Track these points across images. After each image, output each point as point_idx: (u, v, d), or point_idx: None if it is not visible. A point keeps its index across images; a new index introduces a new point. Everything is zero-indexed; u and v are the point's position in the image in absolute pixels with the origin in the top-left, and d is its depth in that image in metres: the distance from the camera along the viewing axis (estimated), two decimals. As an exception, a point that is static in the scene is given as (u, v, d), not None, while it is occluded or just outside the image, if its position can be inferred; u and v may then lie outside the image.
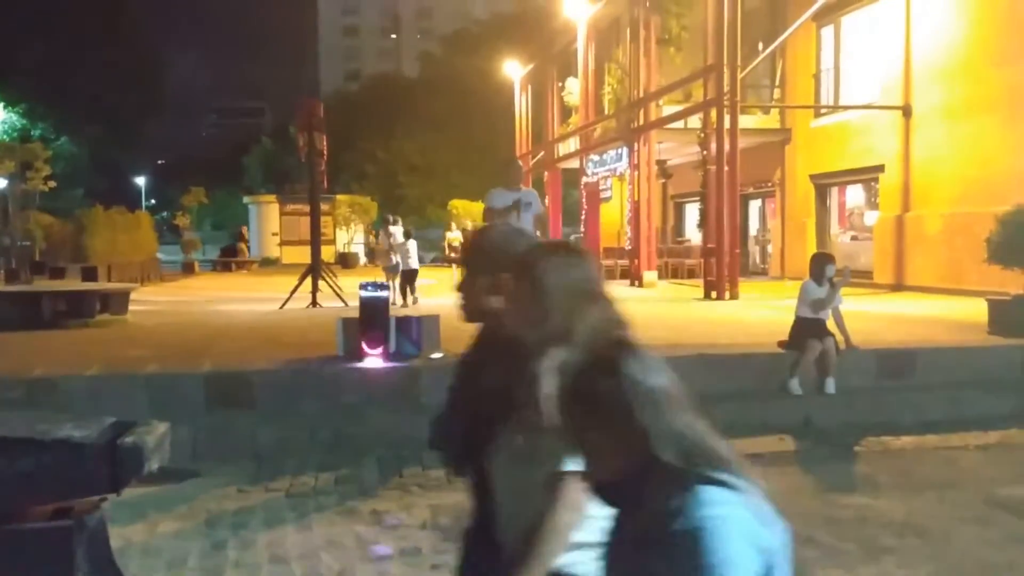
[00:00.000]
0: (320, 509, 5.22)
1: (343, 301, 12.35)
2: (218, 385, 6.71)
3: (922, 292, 14.55)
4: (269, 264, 33.71)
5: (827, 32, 18.47)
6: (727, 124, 14.12)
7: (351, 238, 35.94)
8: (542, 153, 26.69)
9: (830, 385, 7.32)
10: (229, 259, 32.16)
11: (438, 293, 17.34)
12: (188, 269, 29.27)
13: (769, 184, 20.59)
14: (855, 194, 18.75)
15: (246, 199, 42.45)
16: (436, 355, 7.60)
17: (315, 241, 13.84)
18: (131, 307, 12.29)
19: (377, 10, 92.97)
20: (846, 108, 17.76)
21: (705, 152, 14.90)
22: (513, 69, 28.00)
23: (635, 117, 18.40)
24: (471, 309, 2.11)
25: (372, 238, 16.68)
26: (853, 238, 18.30)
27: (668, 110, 18.09)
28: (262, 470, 5.97)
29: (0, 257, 21.09)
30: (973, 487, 5.60)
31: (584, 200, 23.45)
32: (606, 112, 21.23)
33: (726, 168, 14.18)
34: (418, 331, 7.61)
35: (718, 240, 14.17)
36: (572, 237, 29.29)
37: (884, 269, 16.08)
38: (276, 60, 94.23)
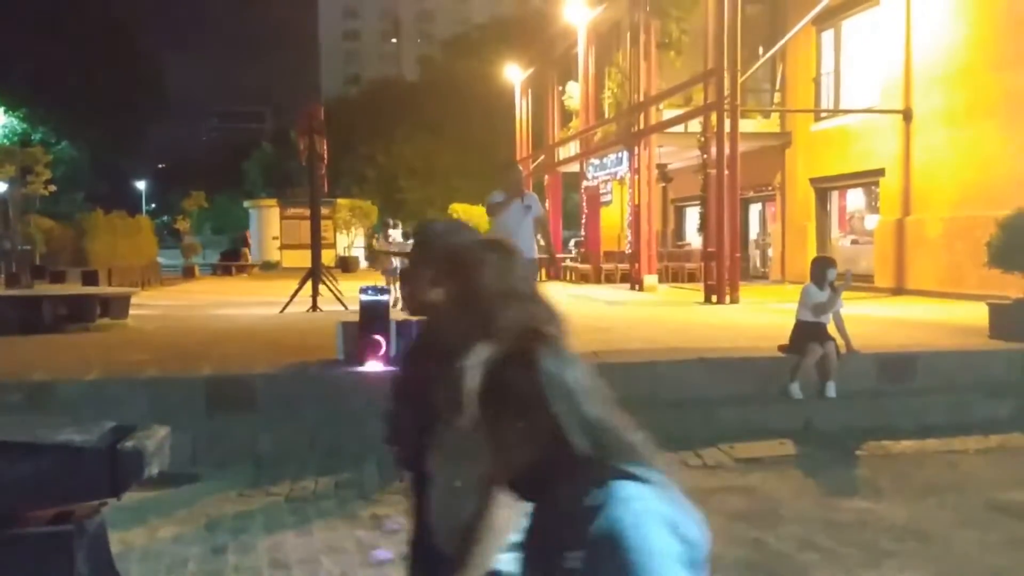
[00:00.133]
0: (320, 514, 5.21)
1: (343, 305, 12.35)
2: (218, 389, 6.70)
3: (922, 296, 14.54)
4: (269, 268, 33.72)
5: (827, 36, 18.49)
6: (727, 128, 14.13)
7: (351, 242, 35.95)
8: (542, 157, 26.71)
9: (831, 389, 7.31)
10: (230, 263, 32.16)
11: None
12: (188, 273, 29.26)
13: (769, 188, 20.60)
14: (855, 198, 18.75)
15: (246, 203, 42.46)
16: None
17: (315, 245, 13.83)
18: (131, 311, 12.29)
19: (377, 14, 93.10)
20: (846, 112, 17.77)
21: (705, 156, 14.92)
22: (513, 73, 28.03)
23: (635, 121, 18.42)
24: (414, 301, 2.10)
25: (374, 242, 16.73)
26: (853, 242, 18.30)
27: (668, 114, 18.11)
28: (262, 474, 5.96)
29: (0, 261, 21.11)
30: (974, 491, 5.60)
31: (584, 204, 23.48)
32: (606, 116, 21.25)
33: (726, 172, 14.19)
34: (418, 334, 7.59)
35: (718, 244, 14.17)
36: (572, 241, 29.34)
37: (884, 273, 16.08)
38: (277, 64, 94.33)
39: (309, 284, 13.19)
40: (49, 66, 39.79)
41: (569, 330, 1.82)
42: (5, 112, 38.55)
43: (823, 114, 18.63)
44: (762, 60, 16.67)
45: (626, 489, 1.31)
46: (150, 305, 15.04)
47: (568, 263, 24.17)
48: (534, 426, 1.36)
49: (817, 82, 18.79)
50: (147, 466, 2.74)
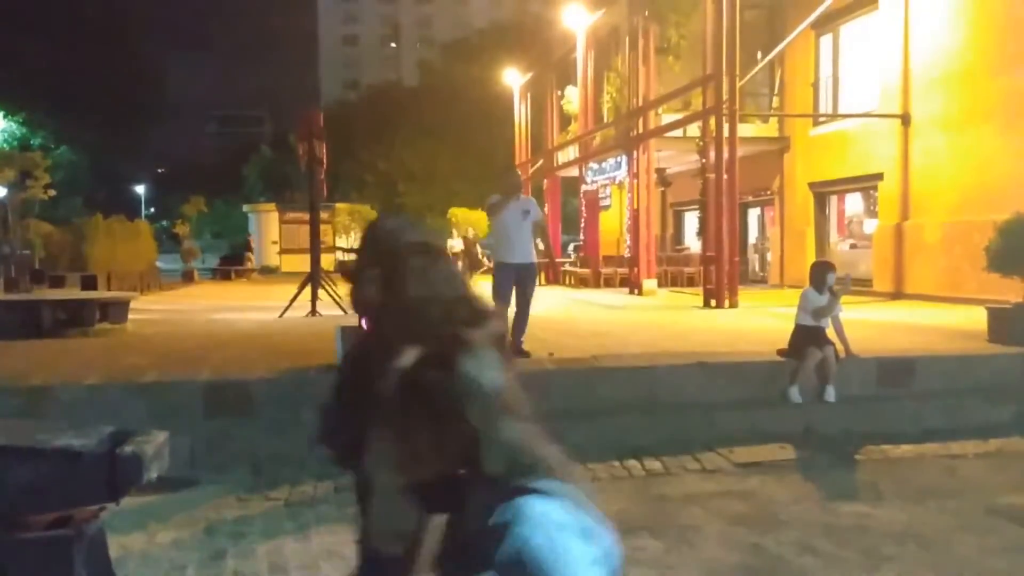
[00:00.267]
0: (319, 518, 5.20)
1: (343, 309, 12.33)
2: (217, 394, 6.70)
3: (921, 300, 14.55)
4: (269, 272, 33.72)
5: (826, 41, 18.53)
6: (726, 132, 14.15)
7: (350, 246, 35.97)
8: (541, 161, 26.73)
9: (830, 393, 7.32)
10: (229, 267, 32.14)
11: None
12: (188, 278, 29.25)
13: (768, 192, 20.62)
14: (854, 202, 18.77)
15: (246, 208, 42.47)
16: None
17: (315, 249, 13.83)
18: (130, 316, 12.28)
19: (377, 19, 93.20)
20: (845, 116, 17.81)
21: (704, 160, 14.93)
22: (512, 77, 28.07)
23: (634, 125, 18.44)
24: (357, 300, 2.09)
25: None
26: (852, 246, 18.32)
27: (667, 118, 18.15)
28: (261, 479, 5.96)
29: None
30: (974, 495, 5.59)
31: (583, 208, 23.49)
32: (605, 120, 21.28)
33: (725, 176, 14.21)
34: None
35: (717, 248, 14.19)
36: (571, 245, 29.35)
37: (883, 277, 16.09)
38: (276, 69, 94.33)
39: (308, 288, 13.19)
40: (49, 71, 39.84)
41: (505, 335, 1.81)
42: (5, 116, 38.60)
43: (821, 118, 18.66)
44: (761, 65, 16.70)
45: (534, 506, 1.28)
46: (149, 310, 15.04)
47: (567, 267, 24.19)
48: (446, 433, 1.33)
49: (815, 86, 18.83)
50: (146, 471, 2.73)
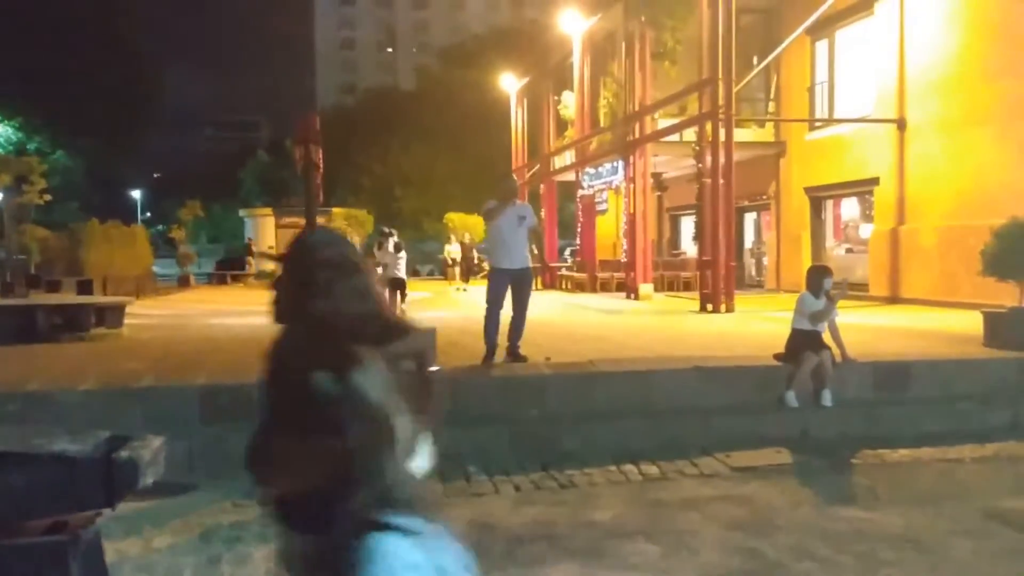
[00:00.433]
0: (316, 523, 5.18)
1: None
2: (213, 399, 6.68)
3: (917, 304, 14.58)
4: (265, 277, 33.69)
5: (821, 46, 18.58)
6: (722, 137, 14.18)
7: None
8: (538, 166, 26.75)
9: (827, 397, 7.32)
10: (225, 272, 32.10)
11: (433, 306, 17.36)
12: (184, 282, 29.23)
13: (764, 197, 20.66)
14: (850, 207, 18.81)
15: (242, 212, 42.43)
16: (432, 368, 7.59)
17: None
18: (126, 320, 12.27)
19: (374, 24, 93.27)
20: (840, 121, 17.85)
21: (700, 165, 14.95)
22: (509, 82, 28.10)
23: (630, 130, 18.47)
24: (279, 310, 2.08)
25: (378, 251, 16.63)
26: (848, 251, 18.35)
27: (663, 123, 18.17)
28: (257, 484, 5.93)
29: (-5, 270, 21.01)
30: (971, 500, 5.59)
31: (580, 213, 23.51)
32: (602, 125, 21.30)
33: (721, 181, 14.24)
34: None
35: (714, 253, 14.21)
36: (568, 250, 29.36)
37: (879, 282, 16.12)
38: (273, 73, 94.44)
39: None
40: (45, 75, 39.79)
41: (427, 352, 1.79)
42: (1, 121, 38.54)
43: (817, 123, 18.70)
44: (756, 70, 16.74)
45: (389, 544, 1.26)
46: (145, 314, 15.01)
47: (564, 272, 24.20)
48: (321, 449, 1.30)
49: (811, 91, 18.87)
50: (142, 476, 2.73)
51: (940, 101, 14.78)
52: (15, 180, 25.46)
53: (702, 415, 7.10)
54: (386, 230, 16.21)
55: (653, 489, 5.92)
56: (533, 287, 8.70)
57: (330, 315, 1.72)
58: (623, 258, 19.45)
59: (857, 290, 15.02)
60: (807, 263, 15.77)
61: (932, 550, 4.65)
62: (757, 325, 11.59)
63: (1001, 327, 8.68)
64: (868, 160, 16.57)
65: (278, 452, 1.37)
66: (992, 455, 6.74)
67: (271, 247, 35.97)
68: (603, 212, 23.41)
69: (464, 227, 29.83)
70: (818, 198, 18.92)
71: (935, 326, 11.13)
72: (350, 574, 1.23)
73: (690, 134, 16.69)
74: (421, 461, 1.68)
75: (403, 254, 14.87)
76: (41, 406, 6.47)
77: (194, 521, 5.22)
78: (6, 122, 39.33)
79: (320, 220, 24.42)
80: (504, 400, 7.16)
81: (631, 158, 18.16)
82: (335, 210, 36.16)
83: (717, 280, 14.12)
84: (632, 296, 17.78)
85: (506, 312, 8.19)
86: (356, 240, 36.23)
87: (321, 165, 14.25)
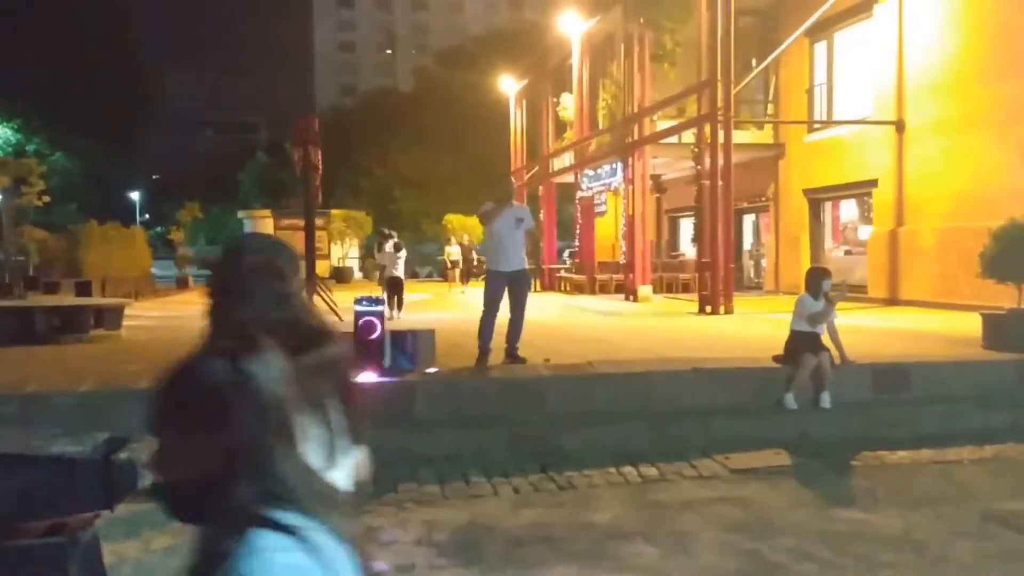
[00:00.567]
0: (315, 525, 5.18)
1: (338, 316, 12.32)
2: (212, 400, 6.67)
3: (916, 306, 14.58)
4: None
5: (820, 48, 18.59)
6: (721, 139, 14.18)
7: (346, 253, 35.96)
8: (537, 168, 26.76)
9: (825, 399, 7.32)
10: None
11: (432, 308, 17.35)
12: (182, 284, 29.21)
13: (763, 199, 20.67)
14: (849, 209, 18.82)
15: (241, 214, 42.43)
16: (431, 370, 7.60)
17: (310, 256, 13.83)
18: (125, 322, 12.25)
19: (372, 26, 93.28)
20: (839, 123, 17.86)
21: (699, 167, 14.96)
22: (508, 84, 28.11)
23: (629, 132, 18.48)
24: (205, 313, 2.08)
25: (378, 252, 16.60)
26: (847, 252, 18.36)
27: (662, 125, 18.18)
28: (256, 486, 5.93)
29: (-6, 272, 21.00)
30: (970, 502, 5.60)
31: (579, 214, 23.52)
32: (600, 127, 21.31)
33: (720, 183, 14.24)
34: (413, 346, 7.61)
35: (712, 254, 14.21)
36: (567, 251, 29.36)
37: (878, 283, 16.12)
38: (271, 75, 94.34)
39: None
40: (44, 77, 39.77)
41: (342, 363, 1.76)
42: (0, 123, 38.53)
43: (816, 125, 18.71)
44: (755, 72, 16.76)
45: (267, 542, 1.21)
46: (144, 316, 15.00)
47: (563, 274, 24.20)
48: (210, 437, 1.26)
49: (810, 93, 18.89)
50: (141, 477, 2.72)
51: (939, 103, 14.79)
52: (14, 181, 25.44)
53: (701, 417, 7.10)
54: (386, 231, 16.23)
55: (652, 491, 5.91)
56: (530, 289, 8.71)
57: (248, 320, 1.71)
58: (622, 260, 19.45)
59: (856, 292, 15.02)
60: (806, 265, 15.77)
61: (931, 552, 4.65)
62: (756, 327, 11.59)
63: (1000, 329, 8.68)
64: (867, 162, 16.58)
65: (166, 441, 1.34)
66: (991, 457, 6.74)
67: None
68: (602, 214, 23.42)
69: (463, 229, 29.83)
70: (817, 200, 18.93)
71: (934, 328, 11.14)
72: (224, 567, 1.20)
73: (689, 136, 16.69)
74: (342, 475, 1.66)
75: (403, 253, 14.88)
76: (40, 408, 6.46)
77: (193, 523, 5.20)
78: (5, 123, 39.32)
79: (319, 222, 24.46)
80: (503, 402, 7.16)
81: (630, 160, 18.17)
82: (334, 212, 36.21)
83: (716, 282, 14.12)
84: (631, 298, 17.78)
85: (505, 314, 8.19)
86: (354, 242, 36.32)
87: (320, 167, 14.29)
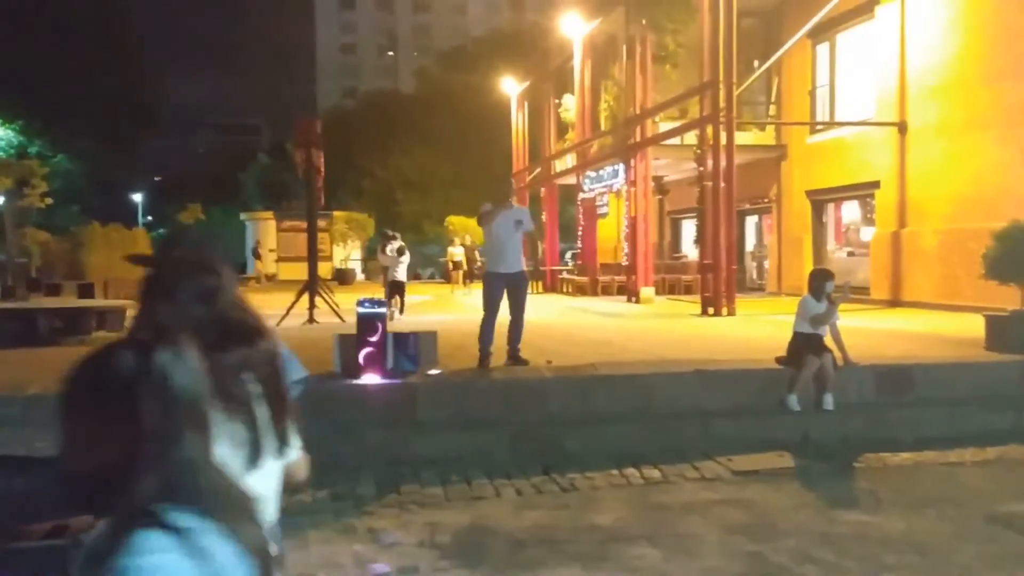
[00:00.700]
0: (316, 527, 5.18)
1: (340, 318, 12.33)
2: (215, 402, 6.67)
3: (919, 308, 14.56)
4: (265, 280, 33.72)
5: (822, 49, 18.58)
6: (723, 140, 14.18)
7: (348, 254, 35.99)
8: (539, 169, 26.76)
9: (828, 401, 7.31)
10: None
11: (434, 309, 17.35)
12: (184, 286, 29.20)
13: (765, 200, 20.66)
14: (851, 210, 18.80)
15: (243, 215, 42.48)
16: (433, 371, 7.60)
17: (312, 257, 13.83)
18: (128, 324, 12.24)
19: (374, 28, 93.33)
20: (841, 124, 17.84)
21: (701, 168, 14.95)
22: (510, 86, 28.11)
23: (631, 133, 18.47)
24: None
25: (381, 254, 16.51)
26: (850, 254, 18.34)
27: (664, 127, 18.17)
28: (258, 488, 5.93)
29: (-4, 274, 21.04)
30: (973, 503, 5.58)
31: (581, 216, 23.50)
32: (602, 128, 21.31)
33: (722, 184, 14.24)
34: (415, 347, 7.61)
35: (715, 256, 14.20)
36: (569, 253, 29.36)
37: (881, 285, 16.10)
38: (273, 77, 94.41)
39: (306, 296, 13.18)
40: (46, 78, 39.84)
41: (270, 365, 1.74)
42: (2, 124, 38.59)
43: (818, 127, 18.70)
44: (757, 73, 16.75)
45: (148, 543, 1.17)
46: (146, 318, 14.98)
47: (564, 275, 24.19)
48: (114, 425, 1.23)
49: (812, 95, 18.87)
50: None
51: (941, 104, 14.78)
52: (16, 183, 25.50)
53: (703, 418, 7.09)
54: (389, 232, 16.21)
55: (655, 493, 5.91)
56: (529, 290, 8.70)
57: (168, 313, 1.69)
58: (624, 261, 19.44)
59: (858, 293, 14.99)
60: (808, 266, 15.76)
61: (934, 554, 4.64)
62: (758, 328, 11.58)
63: (1002, 330, 8.66)
64: (869, 163, 16.56)
65: (69, 429, 1.32)
66: (994, 459, 6.73)
67: (272, 250, 36.04)
68: (604, 215, 23.42)
69: (465, 230, 29.83)
70: (819, 201, 18.92)
71: (936, 329, 11.12)
72: (104, 561, 1.18)
73: (691, 137, 16.68)
74: (267, 477, 1.63)
75: (405, 258, 14.83)
76: (42, 410, 6.45)
77: (195, 525, 5.20)
78: (7, 125, 39.37)
79: (321, 223, 24.47)
80: (505, 403, 7.16)
81: (632, 161, 18.16)
82: (336, 213, 36.25)
83: (718, 283, 14.11)
84: (633, 299, 17.77)
85: (505, 316, 8.19)
86: (357, 243, 36.33)
87: (322, 168, 14.28)
